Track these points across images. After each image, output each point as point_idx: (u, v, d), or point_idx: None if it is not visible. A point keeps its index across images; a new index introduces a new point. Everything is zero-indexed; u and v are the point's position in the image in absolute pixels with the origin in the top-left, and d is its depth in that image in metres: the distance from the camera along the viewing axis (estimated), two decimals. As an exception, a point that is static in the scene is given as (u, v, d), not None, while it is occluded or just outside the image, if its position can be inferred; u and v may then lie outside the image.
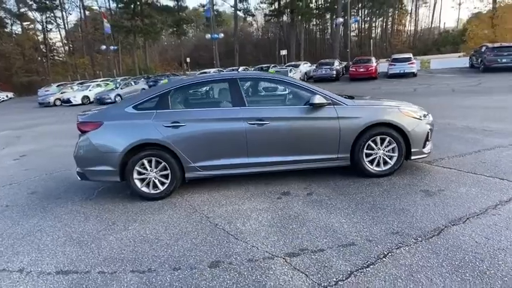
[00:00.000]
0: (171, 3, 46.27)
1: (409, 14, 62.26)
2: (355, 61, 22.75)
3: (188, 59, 49.98)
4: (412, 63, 20.68)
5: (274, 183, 4.25)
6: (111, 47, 42.94)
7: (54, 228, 3.55)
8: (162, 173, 4.07)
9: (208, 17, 34.65)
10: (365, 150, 4.14)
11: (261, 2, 49.36)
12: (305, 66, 24.94)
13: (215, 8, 48.01)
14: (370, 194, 3.70)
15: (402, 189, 3.77)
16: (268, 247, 2.78)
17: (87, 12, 52.43)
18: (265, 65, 26.38)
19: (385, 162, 4.21)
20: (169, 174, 4.05)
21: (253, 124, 4.01)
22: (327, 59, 25.55)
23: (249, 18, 54.94)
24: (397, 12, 60.66)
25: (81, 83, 31.90)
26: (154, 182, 4.08)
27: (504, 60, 18.24)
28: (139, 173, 4.05)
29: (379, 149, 4.16)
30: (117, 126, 4.06)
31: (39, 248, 3.13)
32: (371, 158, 4.18)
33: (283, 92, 4.46)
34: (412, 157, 4.20)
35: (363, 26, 62.14)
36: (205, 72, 26.73)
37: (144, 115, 4.08)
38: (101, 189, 4.68)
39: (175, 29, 47.14)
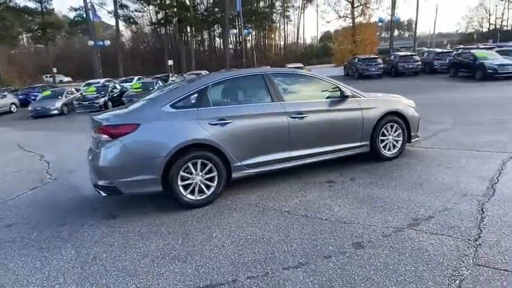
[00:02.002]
0: (33, 5, 39.67)
1: (278, 30, 69.03)
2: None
3: (55, 69, 44.02)
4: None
5: (308, 176, 4.38)
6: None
7: (114, 253, 2.92)
8: (207, 176, 3.75)
9: (88, 22, 31.00)
10: (380, 137, 4.70)
11: (137, 11, 47.16)
12: (202, 74, 25.09)
13: (82, 13, 43.33)
14: (403, 173, 4.26)
15: (422, 166, 4.44)
16: (385, 224, 2.98)
17: None
18: (163, 74, 25.29)
19: (394, 146, 4.85)
20: (216, 176, 3.77)
21: (295, 117, 4.10)
22: (227, 69, 26.30)
23: (121, 27, 51.76)
24: (267, 28, 66.51)
25: None
26: (200, 186, 3.73)
27: (373, 69, 22.32)
28: (183, 179, 3.64)
29: (390, 134, 4.79)
30: (158, 128, 3.57)
31: (132, 274, 2.56)
32: (384, 143, 4.76)
33: (310, 86, 4.65)
34: (412, 140, 4.97)
35: (238, 38, 65.82)
36: (90, 84, 24.00)
37: (186, 113, 3.71)
38: (106, 207, 3.96)
39: (40, 33, 40.53)
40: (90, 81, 26.65)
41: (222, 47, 69.36)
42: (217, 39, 69.56)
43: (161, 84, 19.98)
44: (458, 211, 3.07)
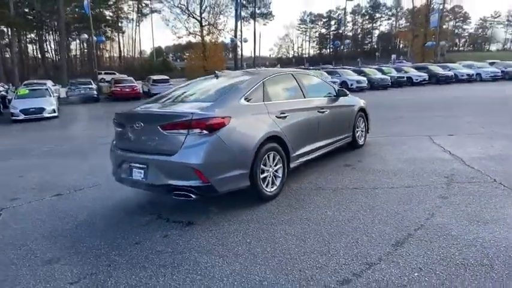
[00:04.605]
0: None
1: (111, 41, 64.24)
2: (117, 80, 22.16)
3: None
4: (171, 84, 22.99)
5: (322, 164, 4.98)
6: None
7: (268, 246, 2.83)
8: (276, 167, 3.91)
9: None
10: (356, 129, 5.85)
11: None
12: (49, 85, 21.10)
13: None
14: (387, 155, 5.47)
15: (391, 149, 5.82)
16: (435, 183, 4.02)
17: None
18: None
19: (362, 136, 6.09)
20: (282, 168, 3.97)
21: (320, 112, 4.73)
22: (80, 79, 23.03)
23: None
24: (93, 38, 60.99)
25: None
26: (272, 178, 3.85)
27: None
28: (261, 172, 3.71)
29: (359, 127, 5.99)
30: (244, 120, 3.60)
31: (326, 252, 2.63)
32: (357, 134, 5.93)
33: (316, 85, 5.25)
34: (369, 131, 6.35)
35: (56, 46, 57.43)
36: None
37: (258, 107, 3.81)
38: (157, 218, 3.58)
39: None
40: None
41: (35, 54, 58.94)
42: (30, 46, 58.58)
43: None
44: (459, 169, 4.45)
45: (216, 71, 4.46)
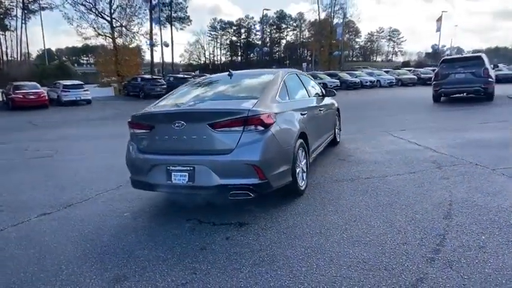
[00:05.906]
0: None
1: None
2: (17, 86, 18.98)
3: None
4: (86, 90, 20.89)
5: (314, 161, 5.38)
6: None
7: (347, 236, 2.98)
8: (303, 162, 4.06)
9: None
10: (336, 127, 6.35)
11: None
12: None
13: None
14: (367, 148, 6.09)
15: (366, 143, 6.46)
16: (434, 171, 4.66)
17: None
18: None
19: (337, 134, 6.60)
20: (305, 163, 4.15)
21: (320, 110, 5.06)
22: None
23: None
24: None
25: None
26: (302, 174, 3.99)
27: (158, 89, 23.34)
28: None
29: (337, 125, 6.51)
30: (284, 117, 3.68)
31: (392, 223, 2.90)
32: (336, 131, 6.43)
33: (309, 85, 5.49)
34: (341, 129, 6.93)
35: None
36: None
37: (288, 104, 3.94)
38: (199, 223, 3.47)
39: None
40: None
41: None
42: None
43: None
44: (437, 156, 5.22)
45: (230, 70, 4.39)
